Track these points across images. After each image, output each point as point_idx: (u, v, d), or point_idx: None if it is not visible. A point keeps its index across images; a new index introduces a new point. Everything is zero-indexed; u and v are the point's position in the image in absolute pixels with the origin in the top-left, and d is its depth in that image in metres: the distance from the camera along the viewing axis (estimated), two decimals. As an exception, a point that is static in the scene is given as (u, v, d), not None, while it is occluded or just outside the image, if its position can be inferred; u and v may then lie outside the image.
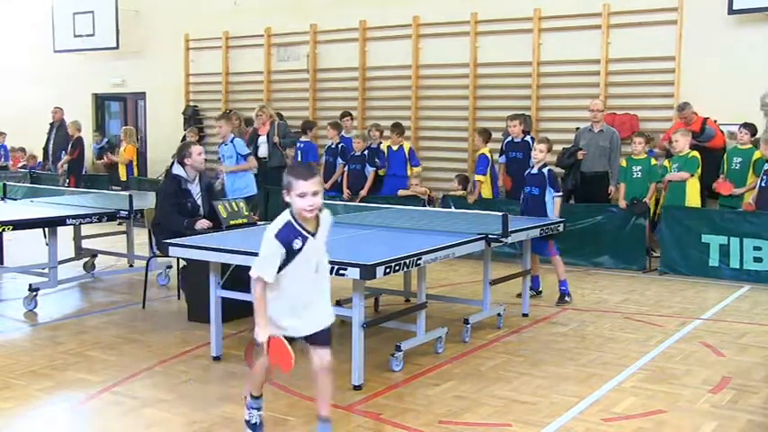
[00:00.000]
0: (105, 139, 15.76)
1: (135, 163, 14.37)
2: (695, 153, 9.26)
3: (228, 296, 5.73)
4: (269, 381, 4.50)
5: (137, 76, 16.29)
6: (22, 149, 16.99)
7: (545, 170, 7.62)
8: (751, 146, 9.51)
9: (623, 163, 9.87)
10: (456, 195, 10.75)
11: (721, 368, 5.65)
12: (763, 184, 8.93)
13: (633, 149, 9.72)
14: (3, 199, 9.33)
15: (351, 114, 12.65)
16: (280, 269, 3.90)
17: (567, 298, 7.75)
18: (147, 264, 7.69)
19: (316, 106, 13.90)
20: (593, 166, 10.17)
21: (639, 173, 9.64)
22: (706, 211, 9.34)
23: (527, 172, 7.86)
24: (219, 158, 10.25)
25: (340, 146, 11.53)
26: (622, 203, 9.63)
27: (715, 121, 10.24)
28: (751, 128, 9.67)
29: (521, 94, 12.08)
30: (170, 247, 5.71)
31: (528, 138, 10.24)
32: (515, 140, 10.25)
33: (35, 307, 7.30)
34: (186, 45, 15.53)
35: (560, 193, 7.66)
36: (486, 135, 10.50)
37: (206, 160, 7.68)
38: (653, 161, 9.70)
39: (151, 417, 4.66)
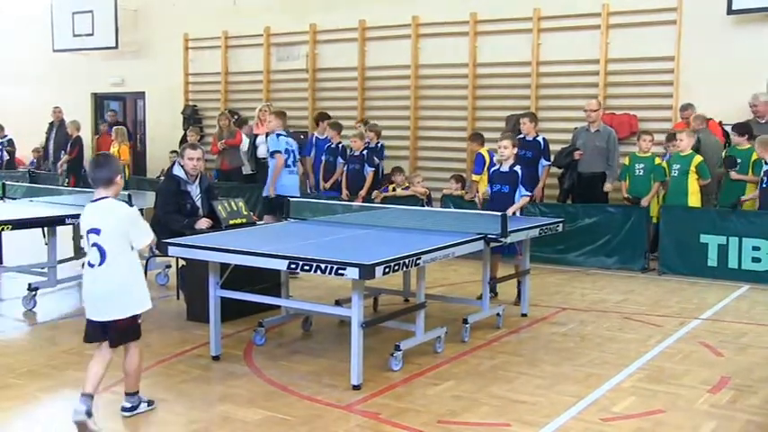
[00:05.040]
0: (6, 136, 15.69)
1: (129, 164, 14.18)
2: (699, 157, 9.20)
3: (227, 296, 5.73)
4: None
5: (136, 75, 16.27)
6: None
7: (517, 168, 7.50)
8: (750, 146, 9.50)
9: (626, 161, 9.88)
10: (453, 195, 10.76)
11: (720, 368, 5.66)
12: (763, 185, 8.91)
13: (640, 147, 9.75)
14: (2, 198, 9.32)
15: (328, 116, 12.44)
16: None
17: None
18: (147, 263, 7.65)
19: (315, 106, 13.87)
20: (591, 166, 10.13)
21: (642, 171, 9.68)
22: (705, 211, 9.31)
23: (495, 169, 7.66)
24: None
25: (340, 145, 11.50)
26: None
27: (720, 123, 10.24)
28: (745, 128, 9.64)
29: (520, 94, 12.07)
30: (169, 247, 5.71)
31: (540, 138, 9.97)
32: (527, 139, 9.88)
33: (34, 306, 7.30)
34: (185, 45, 15.51)
35: (531, 194, 7.52)
36: (480, 139, 10.46)
37: (206, 161, 7.64)
38: (657, 160, 9.70)
39: (150, 416, 4.67)
